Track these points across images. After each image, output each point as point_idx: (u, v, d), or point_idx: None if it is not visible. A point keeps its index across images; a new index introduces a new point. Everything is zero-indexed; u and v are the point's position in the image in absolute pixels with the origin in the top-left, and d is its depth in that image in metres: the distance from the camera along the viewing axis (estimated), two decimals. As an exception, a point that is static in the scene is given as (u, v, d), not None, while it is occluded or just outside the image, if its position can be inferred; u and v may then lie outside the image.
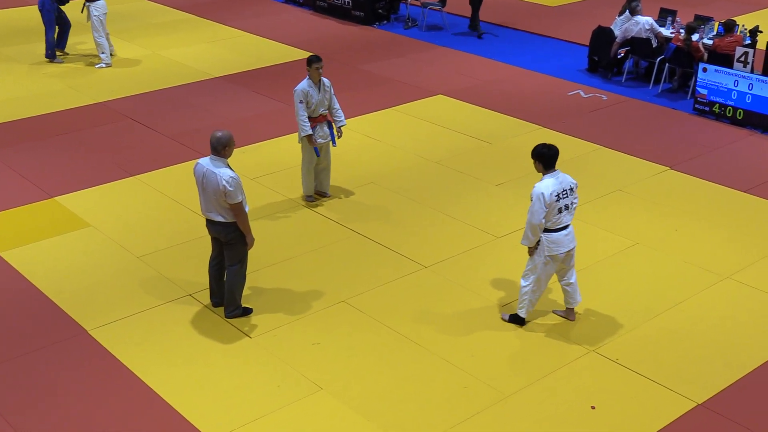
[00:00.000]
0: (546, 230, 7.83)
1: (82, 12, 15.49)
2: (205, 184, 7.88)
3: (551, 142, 7.93)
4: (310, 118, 10.19)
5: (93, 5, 15.27)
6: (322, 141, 10.41)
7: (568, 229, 7.93)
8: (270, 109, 13.74)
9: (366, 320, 8.38)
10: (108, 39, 15.78)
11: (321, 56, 10.31)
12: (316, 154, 10.38)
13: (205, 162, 7.93)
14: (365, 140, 12.51)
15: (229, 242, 8.09)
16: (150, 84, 14.82)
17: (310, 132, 10.19)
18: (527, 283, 8.09)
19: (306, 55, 16.21)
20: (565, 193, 7.79)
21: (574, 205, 7.94)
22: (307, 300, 8.69)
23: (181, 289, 8.83)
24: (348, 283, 8.99)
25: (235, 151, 12.13)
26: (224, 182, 7.73)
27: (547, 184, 7.73)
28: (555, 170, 7.83)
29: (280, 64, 15.81)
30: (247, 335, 8.12)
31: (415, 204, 10.63)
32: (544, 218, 7.73)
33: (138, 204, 10.69)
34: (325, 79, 10.29)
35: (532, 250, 7.99)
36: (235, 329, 8.20)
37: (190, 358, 7.81)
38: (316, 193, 10.72)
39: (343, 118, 10.50)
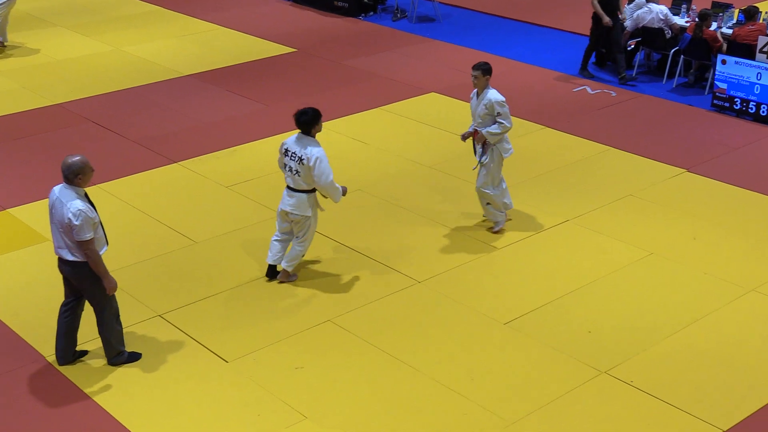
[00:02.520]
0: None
1: None
2: (53, 215, 7.45)
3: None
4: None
5: None
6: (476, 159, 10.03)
7: (288, 192, 8.92)
8: (246, 110, 13.73)
9: (354, 341, 8.36)
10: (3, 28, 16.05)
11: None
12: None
13: (57, 190, 7.49)
14: (351, 143, 12.51)
15: (83, 287, 7.64)
16: (113, 83, 14.78)
17: (469, 130, 9.91)
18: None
19: (285, 50, 16.23)
20: (293, 154, 8.79)
21: (297, 173, 8.78)
22: (289, 319, 8.66)
23: (149, 309, 8.79)
24: (334, 300, 8.96)
25: (209, 156, 12.27)
26: (70, 215, 7.26)
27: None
28: (303, 134, 8.82)
29: (257, 61, 15.79)
30: (223, 359, 8.09)
31: (406, 213, 10.62)
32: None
33: (101, 216, 10.59)
34: (492, 92, 9.60)
35: None
36: (210, 353, 8.16)
37: (160, 385, 7.77)
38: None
39: (491, 128, 9.68)
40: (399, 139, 12.70)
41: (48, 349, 8.20)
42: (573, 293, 9.05)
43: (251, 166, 11.83)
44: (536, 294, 9.03)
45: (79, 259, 7.49)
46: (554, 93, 14.35)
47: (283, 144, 8.92)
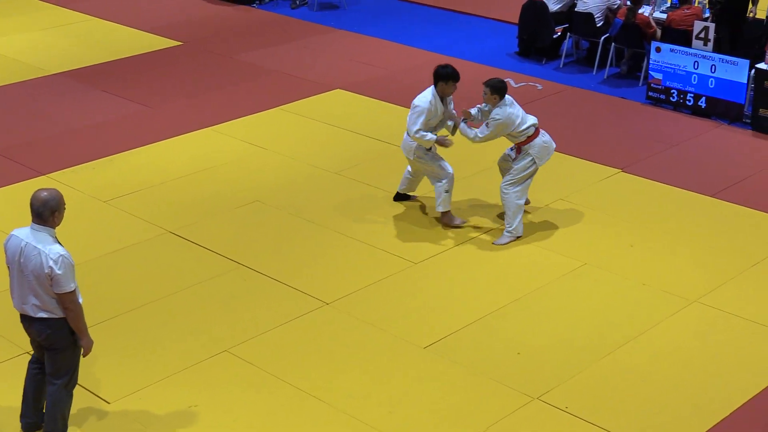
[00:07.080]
0: None
1: None
2: (23, 264, 6.97)
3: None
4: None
5: None
6: None
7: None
8: (126, 113, 13.58)
9: (255, 373, 8.32)
10: None
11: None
12: None
13: (24, 234, 7.02)
14: (247, 148, 12.46)
15: (55, 347, 7.13)
16: (-30, 85, 14.54)
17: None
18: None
19: (170, 44, 16.10)
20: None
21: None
22: (181, 351, 8.58)
23: (16, 345, 8.61)
24: (231, 327, 8.91)
25: (83, 166, 12.11)
26: (51, 262, 6.87)
27: None
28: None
29: (137, 56, 15.65)
30: (104, 400, 7.98)
31: (311, 225, 10.61)
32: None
33: None
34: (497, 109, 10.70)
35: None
36: (89, 393, 8.04)
37: (31, 434, 7.64)
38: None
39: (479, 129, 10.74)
40: (301, 142, 12.68)
41: None
42: (499, 311, 9.13)
43: (133, 178, 11.69)
44: (458, 313, 9.09)
45: (54, 316, 7.05)
46: (473, 87, 14.43)
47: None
